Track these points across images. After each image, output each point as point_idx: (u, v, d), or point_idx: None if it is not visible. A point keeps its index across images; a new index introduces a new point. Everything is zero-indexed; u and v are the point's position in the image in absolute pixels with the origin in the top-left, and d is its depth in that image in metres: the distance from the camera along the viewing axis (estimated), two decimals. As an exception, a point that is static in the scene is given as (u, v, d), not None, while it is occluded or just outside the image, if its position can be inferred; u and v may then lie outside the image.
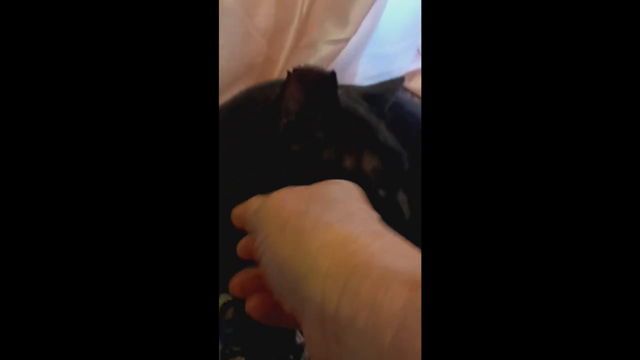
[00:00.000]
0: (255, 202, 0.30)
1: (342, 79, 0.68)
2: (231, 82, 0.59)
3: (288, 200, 0.28)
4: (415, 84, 0.85)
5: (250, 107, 0.39)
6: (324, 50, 0.60)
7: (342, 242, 0.24)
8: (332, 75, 0.34)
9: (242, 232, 0.32)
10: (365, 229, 0.25)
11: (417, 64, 0.85)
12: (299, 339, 0.40)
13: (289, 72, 0.34)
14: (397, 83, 0.45)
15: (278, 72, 0.63)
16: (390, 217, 0.30)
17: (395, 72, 0.83)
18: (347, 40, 0.61)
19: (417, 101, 0.81)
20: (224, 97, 0.50)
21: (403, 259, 0.23)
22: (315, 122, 0.36)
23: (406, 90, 0.86)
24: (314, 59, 0.60)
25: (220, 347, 0.34)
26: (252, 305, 0.28)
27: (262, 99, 0.39)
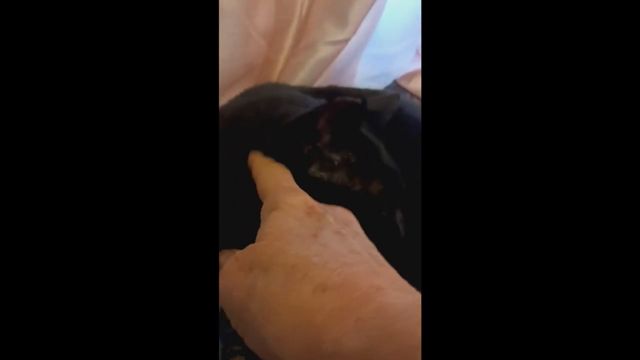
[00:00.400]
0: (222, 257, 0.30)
1: (341, 80, 0.69)
2: (231, 83, 0.59)
3: (233, 279, 0.28)
4: (414, 85, 0.85)
5: (252, 123, 0.39)
6: (324, 51, 0.60)
7: (294, 324, 0.25)
8: (363, 103, 0.35)
9: (241, 233, 0.32)
10: (309, 285, 0.26)
11: (417, 65, 0.85)
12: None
13: (327, 104, 0.34)
14: (394, 101, 0.45)
15: (277, 72, 0.63)
16: (389, 236, 0.30)
17: (395, 72, 0.83)
18: (346, 40, 0.61)
19: (417, 102, 0.81)
20: (224, 98, 0.50)
21: (348, 324, 0.24)
22: (335, 146, 0.36)
23: (405, 91, 0.86)
24: (313, 59, 0.60)
25: (220, 346, 0.34)
26: None
27: (267, 117, 0.38)
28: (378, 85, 0.80)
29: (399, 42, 0.79)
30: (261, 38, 0.60)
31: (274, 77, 0.64)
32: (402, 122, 0.46)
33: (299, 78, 0.60)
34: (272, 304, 0.26)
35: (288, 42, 0.61)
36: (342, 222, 0.30)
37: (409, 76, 0.85)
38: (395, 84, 0.86)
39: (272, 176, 0.33)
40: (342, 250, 0.27)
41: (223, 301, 0.28)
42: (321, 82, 0.63)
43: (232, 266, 0.28)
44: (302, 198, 0.31)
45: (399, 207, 0.38)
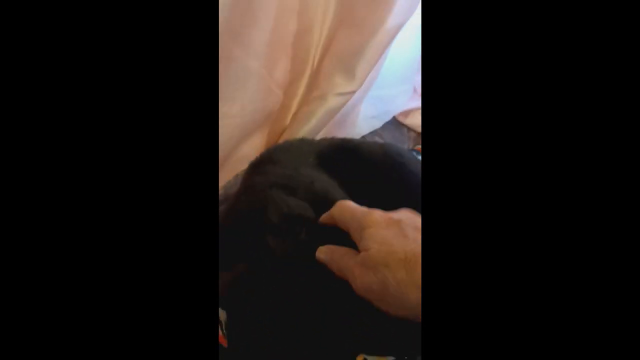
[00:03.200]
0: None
1: (347, 120, 0.75)
2: (254, 129, 0.66)
3: (368, 279, 0.37)
4: (411, 120, 0.92)
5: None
6: (333, 101, 0.66)
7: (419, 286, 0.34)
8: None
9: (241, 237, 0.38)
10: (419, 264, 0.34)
11: (414, 102, 0.92)
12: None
13: None
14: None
15: (290, 116, 0.70)
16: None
17: (395, 110, 0.90)
18: (353, 92, 0.67)
19: (412, 135, 0.89)
20: (247, 143, 0.56)
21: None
22: None
23: (403, 126, 0.93)
24: (323, 108, 0.66)
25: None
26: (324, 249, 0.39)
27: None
28: (379, 122, 0.87)
29: (399, 84, 0.86)
30: (279, 90, 0.66)
31: (287, 121, 0.70)
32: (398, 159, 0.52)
33: (311, 124, 0.67)
34: (404, 284, 0.34)
35: (301, 91, 0.68)
36: (412, 219, 0.38)
37: (406, 113, 0.92)
38: (394, 120, 0.93)
39: (348, 211, 0.41)
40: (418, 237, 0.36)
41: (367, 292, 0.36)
42: (329, 125, 0.70)
43: (361, 270, 0.37)
44: (378, 213, 0.39)
45: None
